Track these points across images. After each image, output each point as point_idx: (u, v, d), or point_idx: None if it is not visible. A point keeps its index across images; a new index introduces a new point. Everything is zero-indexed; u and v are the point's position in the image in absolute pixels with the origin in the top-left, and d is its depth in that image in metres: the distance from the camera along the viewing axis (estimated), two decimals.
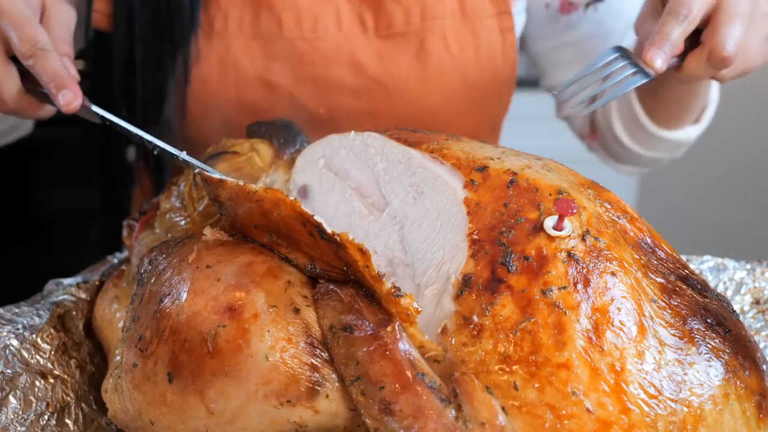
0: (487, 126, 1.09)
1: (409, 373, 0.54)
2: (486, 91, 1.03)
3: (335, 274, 0.60)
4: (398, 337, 0.56)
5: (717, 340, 0.57)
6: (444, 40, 0.98)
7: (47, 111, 0.78)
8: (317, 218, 0.59)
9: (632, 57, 0.75)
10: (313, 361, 0.57)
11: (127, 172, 1.08)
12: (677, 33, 0.72)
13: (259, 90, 0.99)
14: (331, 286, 0.59)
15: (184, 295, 0.59)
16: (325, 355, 0.58)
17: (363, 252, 0.57)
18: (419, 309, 0.57)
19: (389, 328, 0.56)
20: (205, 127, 0.99)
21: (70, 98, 0.71)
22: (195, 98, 0.98)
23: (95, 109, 0.74)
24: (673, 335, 0.56)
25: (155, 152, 0.74)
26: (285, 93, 0.99)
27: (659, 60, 0.72)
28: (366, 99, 1.00)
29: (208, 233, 0.64)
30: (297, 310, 0.58)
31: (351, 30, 0.98)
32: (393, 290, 0.57)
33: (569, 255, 0.56)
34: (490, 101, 1.06)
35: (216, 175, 0.66)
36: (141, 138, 0.73)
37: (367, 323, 0.56)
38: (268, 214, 0.61)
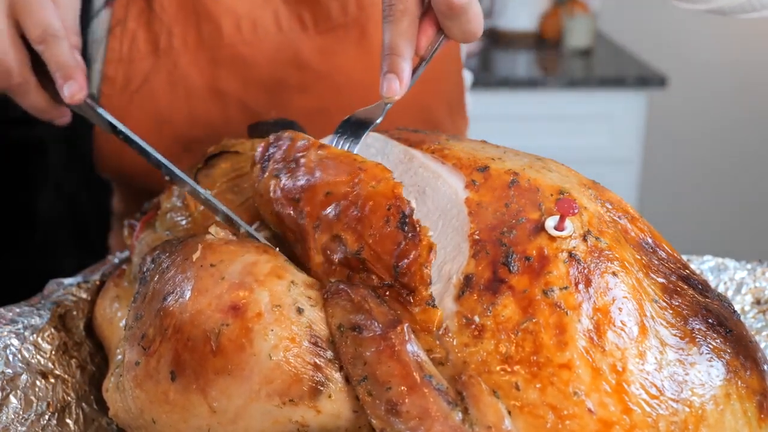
0: (443, 106, 1.08)
1: (416, 375, 0.54)
2: (434, 68, 1.03)
3: (376, 268, 0.59)
4: (407, 338, 0.55)
5: (718, 340, 0.57)
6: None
7: (61, 111, 0.76)
8: (413, 204, 0.59)
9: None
10: (317, 360, 0.57)
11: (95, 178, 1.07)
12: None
13: (209, 101, 0.98)
14: (342, 286, 0.59)
15: (188, 294, 0.59)
16: (328, 355, 0.57)
17: (430, 251, 0.58)
18: (443, 327, 0.57)
19: (398, 329, 0.56)
20: (158, 146, 0.98)
21: (75, 90, 0.70)
22: (147, 118, 0.97)
23: (101, 111, 0.73)
24: (675, 335, 0.56)
25: (166, 177, 0.71)
26: (235, 100, 0.98)
27: (395, 87, 0.66)
28: (315, 96, 0.99)
29: (213, 231, 0.64)
30: (300, 310, 0.58)
31: (291, 29, 0.98)
32: (429, 298, 0.57)
33: (570, 255, 0.56)
34: (441, 79, 1.05)
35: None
36: (156, 160, 0.71)
37: (376, 324, 0.56)
38: (360, 185, 0.61)
